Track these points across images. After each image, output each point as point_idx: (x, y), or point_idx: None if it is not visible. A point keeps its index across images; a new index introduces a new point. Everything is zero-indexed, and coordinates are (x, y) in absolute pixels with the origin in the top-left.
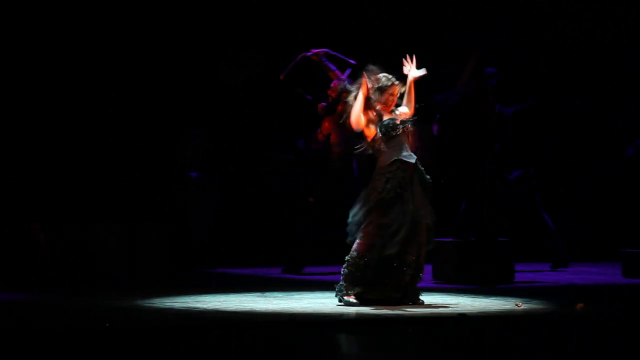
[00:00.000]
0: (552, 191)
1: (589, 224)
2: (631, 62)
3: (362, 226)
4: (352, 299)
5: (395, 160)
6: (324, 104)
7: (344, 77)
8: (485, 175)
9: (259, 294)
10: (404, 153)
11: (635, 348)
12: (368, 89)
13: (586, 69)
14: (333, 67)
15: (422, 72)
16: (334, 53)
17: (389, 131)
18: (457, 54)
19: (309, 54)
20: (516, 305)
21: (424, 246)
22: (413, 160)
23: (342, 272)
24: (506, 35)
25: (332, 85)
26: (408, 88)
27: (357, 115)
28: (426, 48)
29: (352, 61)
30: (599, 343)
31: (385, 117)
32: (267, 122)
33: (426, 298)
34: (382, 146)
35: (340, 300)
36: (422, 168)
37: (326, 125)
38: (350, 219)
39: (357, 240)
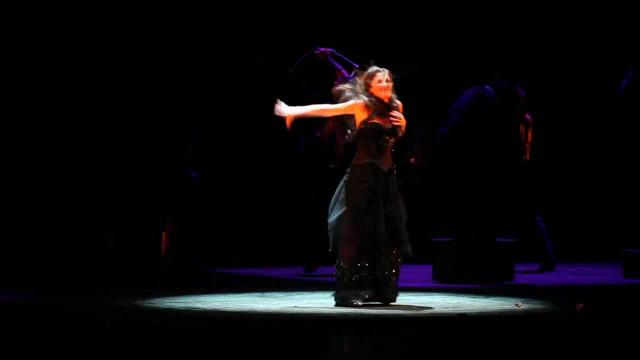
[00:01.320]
0: (552, 191)
1: (589, 224)
2: (631, 63)
3: (340, 232)
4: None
5: (369, 163)
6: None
7: (349, 76)
8: (485, 175)
9: (259, 294)
10: (379, 159)
11: (635, 348)
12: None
13: (586, 69)
14: (339, 67)
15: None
16: (338, 54)
17: (379, 138)
18: (457, 54)
19: (316, 51)
20: (516, 305)
21: (400, 247)
22: (385, 169)
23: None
24: (506, 35)
25: (335, 83)
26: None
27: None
28: (426, 48)
29: (355, 64)
30: (599, 343)
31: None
32: (267, 122)
33: (426, 298)
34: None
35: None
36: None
37: (330, 124)
38: (329, 220)
39: (340, 247)
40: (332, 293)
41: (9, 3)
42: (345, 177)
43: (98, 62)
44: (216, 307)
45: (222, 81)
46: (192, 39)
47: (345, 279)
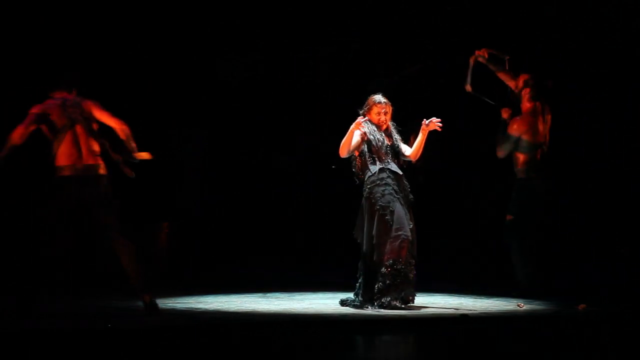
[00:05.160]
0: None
1: (591, 224)
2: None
3: (374, 240)
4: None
5: (383, 168)
6: (507, 108)
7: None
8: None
9: (260, 294)
10: (391, 165)
11: (635, 348)
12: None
13: (588, 72)
14: (500, 67)
15: (437, 125)
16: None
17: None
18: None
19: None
20: (518, 306)
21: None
22: (400, 172)
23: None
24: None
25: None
26: (420, 136)
27: (344, 146)
28: (426, 48)
29: (505, 56)
30: (599, 343)
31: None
32: (268, 123)
33: (428, 299)
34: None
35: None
36: (408, 185)
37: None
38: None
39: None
40: (352, 300)
41: (6, 3)
42: (365, 192)
43: (98, 62)
44: (218, 307)
45: (223, 80)
46: (192, 39)
47: (387, 282)
